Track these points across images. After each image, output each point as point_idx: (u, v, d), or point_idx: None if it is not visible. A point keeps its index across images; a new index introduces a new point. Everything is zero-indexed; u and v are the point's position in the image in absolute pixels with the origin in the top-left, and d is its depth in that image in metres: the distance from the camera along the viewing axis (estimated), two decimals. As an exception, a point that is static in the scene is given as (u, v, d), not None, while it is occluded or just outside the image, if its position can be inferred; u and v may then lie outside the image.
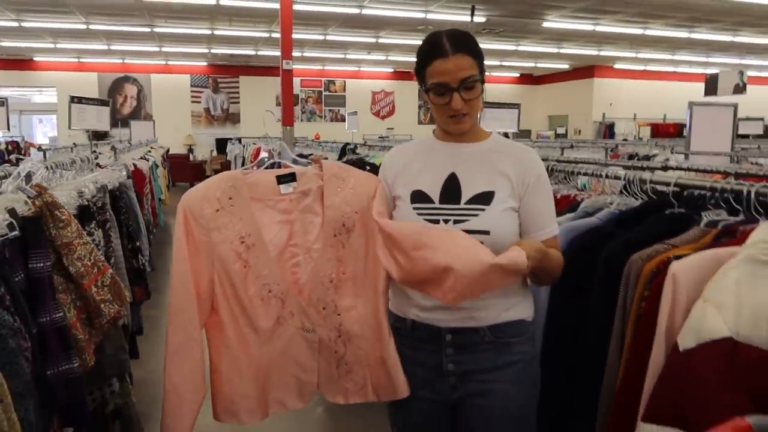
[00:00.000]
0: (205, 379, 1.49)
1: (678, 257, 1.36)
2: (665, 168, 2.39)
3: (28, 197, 1.44)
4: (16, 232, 1.31)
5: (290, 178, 1.49)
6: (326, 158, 5.82)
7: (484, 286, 1.32)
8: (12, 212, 1.33)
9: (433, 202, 1.43)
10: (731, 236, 1.43)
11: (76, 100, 4.12)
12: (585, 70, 17.02)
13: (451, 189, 1.44)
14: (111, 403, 1.90)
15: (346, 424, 3.18)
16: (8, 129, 4.93)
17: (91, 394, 1.80)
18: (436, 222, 1.42)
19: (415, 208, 1.44)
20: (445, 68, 1.36)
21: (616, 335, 1.50)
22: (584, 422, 1.54)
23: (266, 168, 1.54)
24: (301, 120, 16.74)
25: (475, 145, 1.48)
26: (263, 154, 1.58)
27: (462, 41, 1.38)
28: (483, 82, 1.41)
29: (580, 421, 1.56)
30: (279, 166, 1.57)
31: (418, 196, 1.45)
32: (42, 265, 1.39)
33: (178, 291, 1.43)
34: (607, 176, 1.91)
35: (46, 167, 1.92)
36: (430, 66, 1.39)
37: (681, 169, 2.36)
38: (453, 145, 1.49)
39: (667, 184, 1.67)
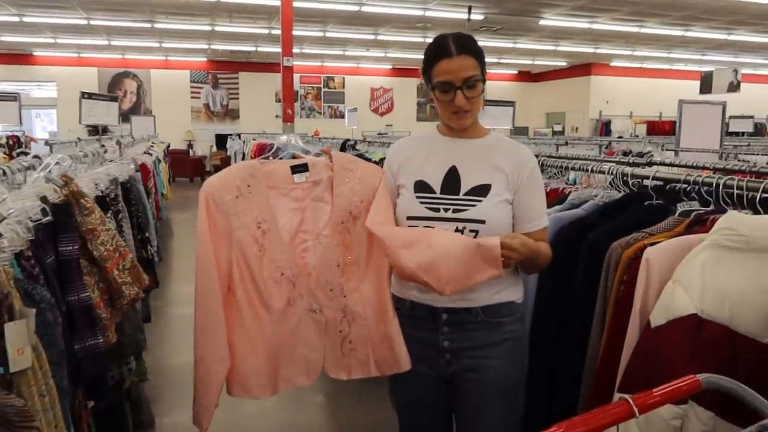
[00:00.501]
0: (228, 353, 1.58)
1: (653, 244, 1.49)
2: (651, 164, 2.52)
3: (57, 186, 1.56)
4: (48, 218, 1.44)
5: (303, 168, 1.61)
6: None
7: (472, 273, 1.45)
8: (44, 199, 1.46)
9: (435, 192, 1.56)
10: (702, 225, 1.55)
11: (86, 95, 4.23)
12: (582, 68, 17.15)
13: (452, 181, 1.56)
14: (128, 380, 2.02)
15: (346, 408, 3.30)
16: (20, 123, 5.03)
17: (110, 371, 1.93)
18: (437, 210, 1.54)
19: (418, 197, 1.57)
20: (449, 68, 1.50)
21: (598, 316, 1.63)
22: (568, 395, 1.67)
23: (280, 158, 1.65)
24: (301, 116, 16.83)
25: (474, 141, 1.61)
26: (279, 143, 1.70)
27: (466, 44, 1.52)
28: (484, 81, 1.55)
29: (564, 394, 1.69)
30: (291, 156, 1.69)
31: (421, 186, 1.58)
32: (71, 248, 1.51)
33: (203, 273, 1.53)
34: (593, 170, 2.04)
35: (72, 159, 2.04)
36: (436, 66, 1.52)
37: (665, 164, 2.49)
38: (454, 140, 1.61)
39: (647, 178, 1.80)
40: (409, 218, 1.57)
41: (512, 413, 1.62)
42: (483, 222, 1.52)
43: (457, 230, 1.52)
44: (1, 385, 1.05)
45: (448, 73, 1.50)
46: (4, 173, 1.75)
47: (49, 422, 1.19)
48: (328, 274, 1.59)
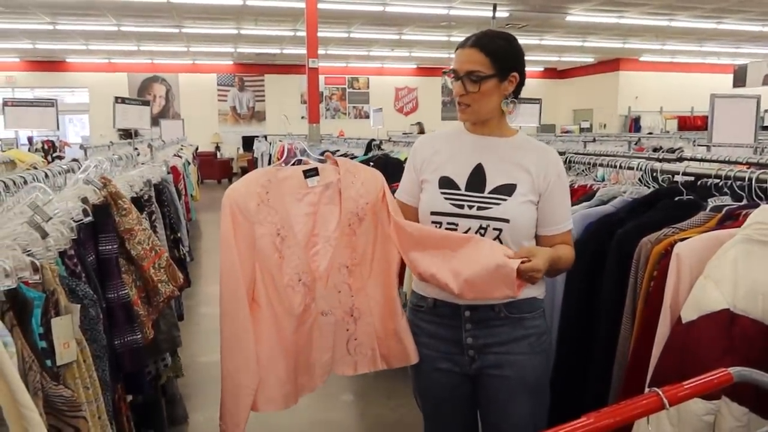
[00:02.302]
0: (257, 367, 1.57)
1: (683, 240, 1.48)
2: (681, 159, 2.49)
3: (96, 188, 1.61)
4: (89, 218, 1.49)
5: (314, 172, 1.64)
6: (354, 156, 5.92)
7: (490, 289, 1.48)
8: (85, 200, 1.51)
9: (460, 189, 1.57)
10: (734, 220, 1.54)
11: (120, 100, 4.34)
12: (610, 63, 16.89)
13: (477, 178, 1.57)
14: (164, 376, 2.08)
15: (374, 406, 3.33)
16: (57, 128, 5.18)
17: (147, 367, 1.98)
18: (461, 207, 1.55)
19: (443, 193, 1.58)
20: (458, 57, 1.56)
21: (628, 312, 1.63)
22: (598, 391, 1.67)
23: (292, 164, 1.67)
24: (325, 117, 16.93)
25: (501, 140, 1.62)
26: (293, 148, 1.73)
27: (484, 40, 1.54)
28: (503, 81, 1.54)
29: (594, 390, 1.69)
30: (300, 162, 1.70)
31: (446, 183, 1.59)
32: (110, 247, 1.57)
33: (230, 282, 1.53)
34: (621, 167, 2.03)
35: (110, 162, 2.10)
36: (455, 54, 1.58)
37: (696, 159, 2.46)
38: (481, 137, 1.62)
39: (677, 173, 1.79)
40: (433, 213, 1.59)
41: (538, 408, 1.62)
42: (507, 221, 1.53)
43: (480, 228, 1.53)
44: (50, 376, 1.09)
45: (456, 62, 1.56)
46: (46, 176, 1.82)
47: (93, 414, 1.24)
48: (337, 277, 1.61)
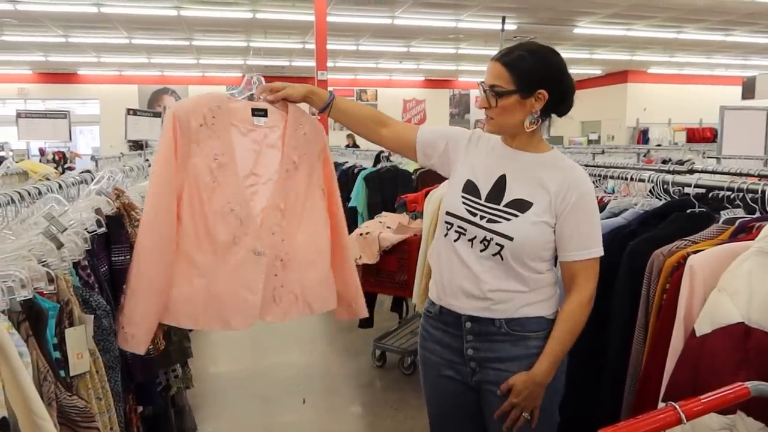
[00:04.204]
0: (170, 275, 1.53)
1: (696, 252, 1.47)
2: (692, 171, 2.48)
3: (110, 199, 1.63)
4: (103, 229, 1.50)
5: (263, 113, 1.64)
6: (363, 167, 5.90)
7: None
8: (98, 211, 1.52)
9: (480, 199, 1.57)
10: (747, 232, 1.53)
11: (131, 112, 4.38)
12: (618, 75, 16.90)
13: (498, 189, 1.57)
14: (174, 387, 2.08)
15: (383, 418, 3.32)
16: (70, 139, 5.24)
17: (157, 378, 1.99)
18: (474, 215, 1.56)
19: (463, 197, 1.59)
20: (487, 69, 1.55)
21: (640, 325, 1.62)
22: (610, 405, 1.65)
23: (246, 98, 1.66)
24: (334, 129, 17.00)
25: (530, 155, 1.59)
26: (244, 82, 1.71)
27: (512, 55, 1.52)
28: (523, 99, 1.51)
29: (607, 403, 1.67)
30: (252, 97, 1.67)
31: (470, 188, 1.60)
32: (123, 258, 1.58)
33: (160, 191, 1.50)
34: (632, 179, 2.02)
35: (123, 173, 2.12)
36: None
37: (707, 172, 2.45)
38: (512, 150, 1.61)
39: (688, 185, 1.78)
40: (448, 213, 1.61)
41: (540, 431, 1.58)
42: (511, 239, 1.50)
43: (485, 239, 1.53)
44: (63, 386, 1.10)
45: (485, 73, 1.56)
46: (60, 187, 1.83)
47: (105, 425, 1.24)
48: (272, 218, 1.62)
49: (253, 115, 1.62)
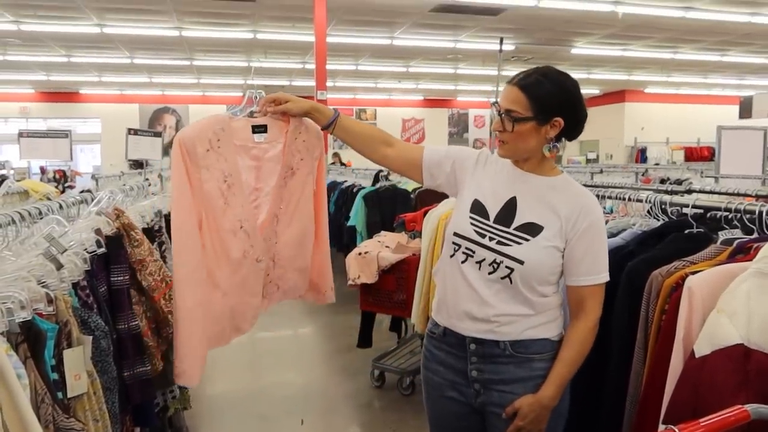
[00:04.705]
0: (210, 303, 1.59)
1: (694, 273, 1.48)
2: (689, 191, 2.49)
3: (110, 219, 1.63)
4: (102, 249, 1.50)
5: (263, 129, 1.65)
6: (362, 186, 5.90)
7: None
8: (98, 232, 1.53)
9: (488, 219, 1.56)
10: (746, 253, 1.53)
11: (132, 131, 4.41)
12: (616, 95, 17.01)
13: (507, 211, 1.55)
14: (172, 407, 2.06)
15: (382, 439, 3.29)
16: (71, 158, 5.26)
17: (155, 398, 1.97)
18: (483, 236, 1.54)
19: (471, 218, 1.57)
20: (503, 92, 1.54)
21: (640, 345, 1.61)
22: (610, 426, 1.64)
23: (247, 115, 1.68)
24: (333, 147, 17.08)
25: (541, 179, 1.58)
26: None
27: (531, 80, 1.49)
28: (539, 125, 1.49)
29: (607, 425, 1.66)
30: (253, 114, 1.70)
31: (478, 209, 1.58)
32: (122, 278, 1.58)
33: (186, 221, 1.53)
34: (630, 199, 2.03)
35: (123, 193, 2.13)
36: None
37: (704, 191, 2.46)
38: (523, 173, 1.59)
39: (686, 206, 1.79)
40: (456, 234, 1.58)
41: None
42: (521, 263, 1.49)
43: (494, 262, 1.51)
44: (60, 408, 1.09)
45: (501, 96, 1.54)
46: (61, 207, 1.84)
47: (102, 447, 1.23)
48: (269, 227, 1.67)
49: (254, 132, 1.64)
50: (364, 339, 3.96)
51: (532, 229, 1.52)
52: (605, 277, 1.54)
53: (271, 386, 4.00)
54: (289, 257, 1.76)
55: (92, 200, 1.83)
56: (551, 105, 1.49)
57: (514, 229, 1.53)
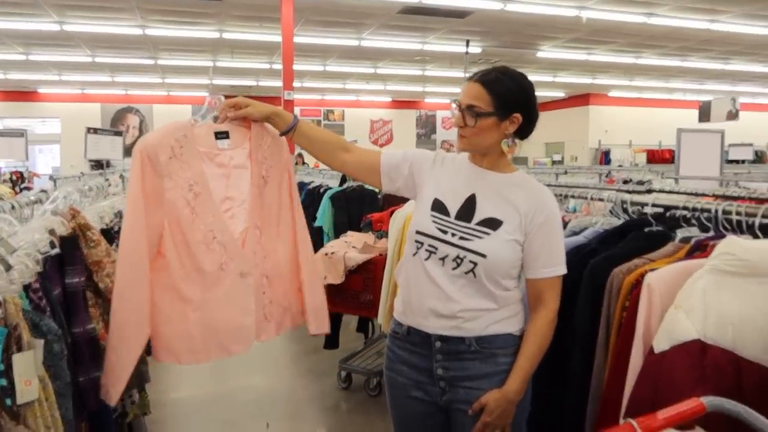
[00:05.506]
0: (148, 319, 1.52)
1: (653, 270, 1.50)
2: (650, 191, 2.54)
3: (64, 219, 1.58)
4: (56, 250, 1.45)
5: (225, 135, 1.62)
6: (329, 187, 5.87)
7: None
8: (52, 232, 1.48)
9: (449, 216, 1.58)
10: (702, 250, 1.57)
11: (92, 131, 4.29)
12: (580, 98, 17.34)
13: (468, 208, 1.58)
14: (131, 413, 2.01)
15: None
16: (27, 158, 5.10)
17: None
18: (445, 233, 1.56)
19: (432, 216, 1.59)
20: (464, 88, 1.57)
21: (601, 342, 1.64)
22: (574, 422, 1.66)
23: (211, 119, 1.64)
24: (301, 148, 16.98)
25: (499, 176, 1.62)
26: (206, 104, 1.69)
27: (491, 77, 1.55)
28: (499, 121, 1.54)
29: (570, 421, 1.68)
30: (216, 119, 1.65)
31: (438, 206, 1.60)
32: (77, 280, 1.53)
33: (130, 232, 1.48)
34: (592, 198, 2.06)
35: (80, 193, 2.07)
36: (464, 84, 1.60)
37: (664, 191, 2.51)
38: (481, 170, 1.63)
39: (646, 204, 1.82)
40: (418, 232, 1.60)
41: None
42: (484, 256, 1.52)
43: (458, 257, 1.53)
44: (9, 416, 1.05)
45: (461, 92, 1.57)
46: (13, 207, 1.78)
47: (54, 455, 1.19)
48: (252, 238, 1.62)
49: (216, 138, 1.60)
50: (331, 340, 3.94)
51: (492, 224, 1.55)
52: (562, 269, 1.58)
53: (236, 390, 3.95)
54: (285, 274, 1.68)
55: (47, 200, 1.77)
56: (511, 101, 1.54)
57: (476, 224, 1.55)
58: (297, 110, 14.16)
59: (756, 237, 1.54)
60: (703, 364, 1.26)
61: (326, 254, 3.55)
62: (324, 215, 5.16)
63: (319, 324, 1.78)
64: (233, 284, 1.58)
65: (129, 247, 1.49)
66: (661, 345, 1.34)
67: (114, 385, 1.51)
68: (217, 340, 1.60)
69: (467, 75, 1.62)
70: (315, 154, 1.72)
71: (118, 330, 1.50)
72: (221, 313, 1.58)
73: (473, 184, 1.61)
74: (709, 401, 0.92)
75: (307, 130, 1.68)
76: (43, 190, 2.01)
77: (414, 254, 1.61)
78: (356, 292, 3.51)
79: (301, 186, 6.36)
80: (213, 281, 1.56)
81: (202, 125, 1.61)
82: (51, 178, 4.99)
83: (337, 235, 4.65)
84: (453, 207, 1.59)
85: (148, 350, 2.88)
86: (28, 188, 6.82)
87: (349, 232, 4.08)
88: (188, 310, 1.55)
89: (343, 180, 5.63)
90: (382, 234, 3.86)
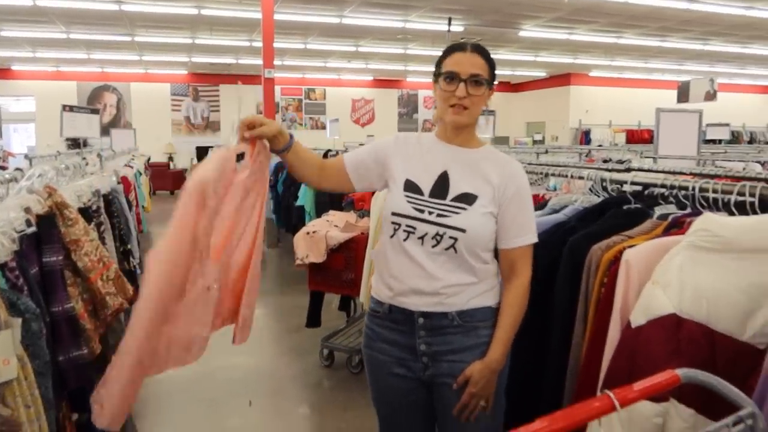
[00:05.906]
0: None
1: (632, 247, 1.53)
2: (629, 170, 2.57)
3: (41, 197, 1.55)
4: (33, 228, 1.43)
5: (242, 156, 1.60)
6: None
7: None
8: (28, 210, 1.45)
9: (423, 195, 1.59)
10: (679, 227, 1.59)
11: (67, 108, 4.20)
12: (561, 78, 17.38)
13: (441, 185, 1.59)
14: (112, 392, 2.00)
15: (332, 418, 3.30)
16: (1, 137, 4.98)
17: (93, 383, 1.91)
18: (422, 211, 1.57)
19: (406, 196, 1.59)
20: (460, 60, 1.56)
21: (580, 317, 1.66)
22: (553, 397, 1.69)
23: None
24: (286, 166, 16.83)
25: (469, 151, 1.64)
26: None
27: (482, 49, 1.60)
28: (490, 89, 1.60)
29: (549, 395, 1.71)
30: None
31: (411, 186, 1.60)
32: (55, 259, 1.51)
33: (172, 274, 1.41)
34: (572, 176, 2.08)
35: (56, 171, 2.03)
36: (448, 57, 1.59)
37: (643, 170, 2.54)
38: (450, 146, 1.64)
39: (625, 182, 1.84)
40: (394, 214, 1.60)
41: (493, 417, 1.63)
42: (464, 231, 1.54)
43: (437, 234, 1.54)
44: (-13, 395, 1.04)
45: (457, 64, 1.56)
46: (-14, 185, 1.74)
47: (35, 433, 1.18)
48: (224, 252, 1.58)
49: (237, 160, 1.58)
50: (313, 319, 3.95)
51: (467, 199, 1.57)
52: (534, 237, 1.62)
53: (219, 369, 3.95)
54: (234, 277, 1.64)
55: (22, 178, 1.74)
56: (494, 72, 1.61)
57: (450, 200, 1.57)
58: (278, 89, 14.00)
59: (732, 214, 1.57)
60: (678, 337, 1.29)
61: (308, 233, 3.55)
62: (306, 194, 5.15)
63: (242, 336, 1.71)
64: (198, 298, 1.51)
65: (166, 288, 1.40)
66: (638, 319, 1.36)
67: (122, 413, 1.43)
68: (176, 351, 1.52)
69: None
70: (299, 173, 1.70)
71: (132, 355, 1.40)
72: (183, 327, 1.51)
73: (444, 161, 1.62)
74: (684, 373, 0.94)
75: (300, 149, 1.68)
76: (18, 169, 1.97)
77: (392, 236, 1.61)
78: (338, 271, 3.52)
79: (283, 165, 6.31)
80: (182, 295, 1.48)
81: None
82: (26, 157, 4.89)
83: (318, 214, 4.64)
84: (426, 186, 1.59)
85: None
86: (3, 168, 6.68)
87: (331, 211, 4.07)
88: (160, 325, 1.46)
89: (325, 157, 5.61)
90: (364, 213, 3.86)
